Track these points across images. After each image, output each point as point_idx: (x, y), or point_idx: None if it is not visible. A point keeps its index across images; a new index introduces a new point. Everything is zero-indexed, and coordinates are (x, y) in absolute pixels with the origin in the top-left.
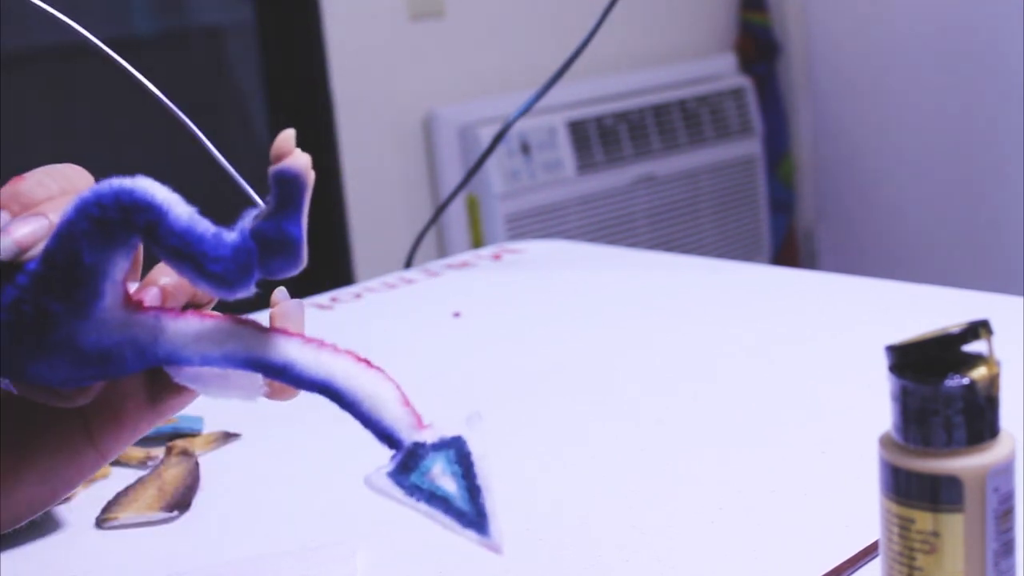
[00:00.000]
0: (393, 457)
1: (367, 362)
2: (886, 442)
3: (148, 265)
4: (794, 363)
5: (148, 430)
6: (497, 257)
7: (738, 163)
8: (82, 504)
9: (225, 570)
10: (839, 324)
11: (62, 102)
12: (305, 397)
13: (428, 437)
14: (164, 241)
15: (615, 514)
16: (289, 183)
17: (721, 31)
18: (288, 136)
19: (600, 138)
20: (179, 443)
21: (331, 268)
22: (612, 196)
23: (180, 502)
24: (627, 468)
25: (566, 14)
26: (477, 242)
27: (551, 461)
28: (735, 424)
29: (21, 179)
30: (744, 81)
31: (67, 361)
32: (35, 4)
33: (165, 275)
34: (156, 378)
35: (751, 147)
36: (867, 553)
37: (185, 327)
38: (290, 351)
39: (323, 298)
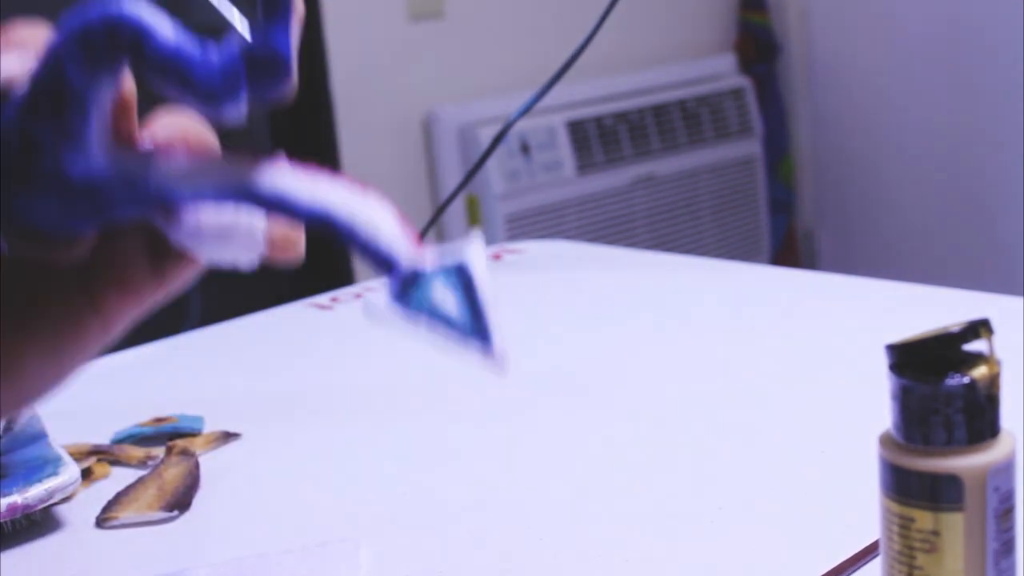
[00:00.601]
0: (392, 281)
1: (362, 187)
2: (886, 441)
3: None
4: (794, 363)
5: (153, 300)
6: (497, 257)
7: (738, 163)
8: (82, 504)
9: (227, 569)
10: (839, 324)
11: None
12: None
13: (429, 261)
14: (151, 60)
15: (615, 514)
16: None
17: (721, 31)
18: None
19: (600, 138)
20: (179, 443)
21: (331, 268)
22: (612, 196)
23: (180, 502)
24: (626, 467)
25: (566, 14)
26: None
27: (551, 461)
28: (735, 424)
29: (12, 24)
30: (744, 81)
31: (56, 197)
32: None
33: (160, 127)
34: (156, 242)
35: (751, 147)
36: (867, 553)
37: (176, 160)
38: (283, 180)
39: (323, 298)
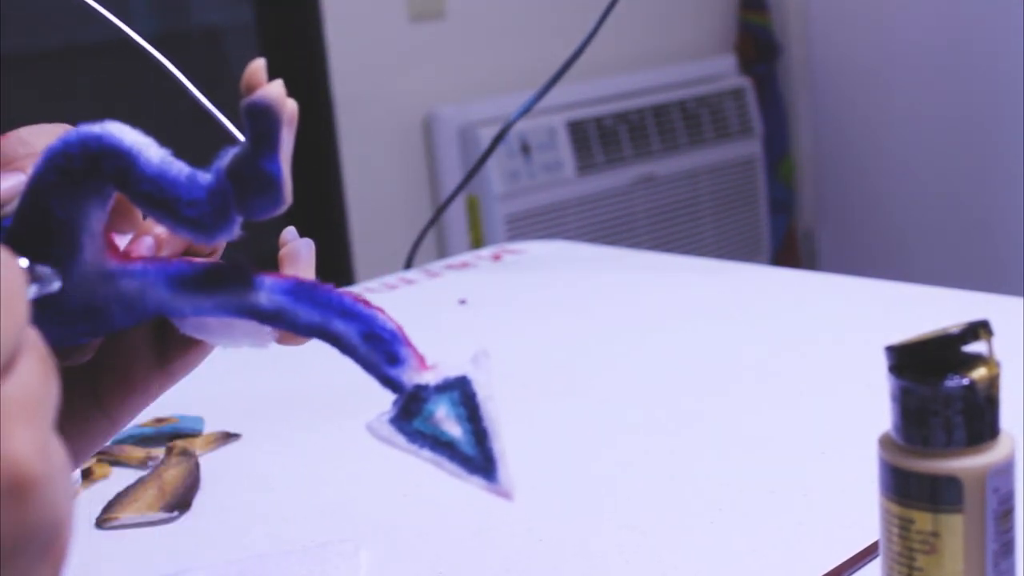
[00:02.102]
0: (395, 402)
1: (365, 302)
2: (886, 442)
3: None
4: (794, 363)
5: (159, 393)
6: (497, 258)
7: (738, 163)
8: (82, 504)
9: (227, 569)
10: (839, 324)
11: (62, 102)
12: (306, 397)
13: (431, 379)
14: (136, 188)
15: (615, 514)
16: (261, 115)
17: (721, 32)
18: (258, 66)
19: (600, 139)
20: (179, 443)
21: (331, 268)
22: (612, 197)
23: (180, 502)
24: (627, 468)
25: (566, 15)
26: (477, 242)
27: (551, 462)
28: (735, 424)
29: (4, 137)
30: (744, 81)
31: (55, 320)
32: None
33: (160, 235)
34: (162, 336)
35: (751, 147)
36: (867, 553)
37: (174, 277)
38: (282, 296)
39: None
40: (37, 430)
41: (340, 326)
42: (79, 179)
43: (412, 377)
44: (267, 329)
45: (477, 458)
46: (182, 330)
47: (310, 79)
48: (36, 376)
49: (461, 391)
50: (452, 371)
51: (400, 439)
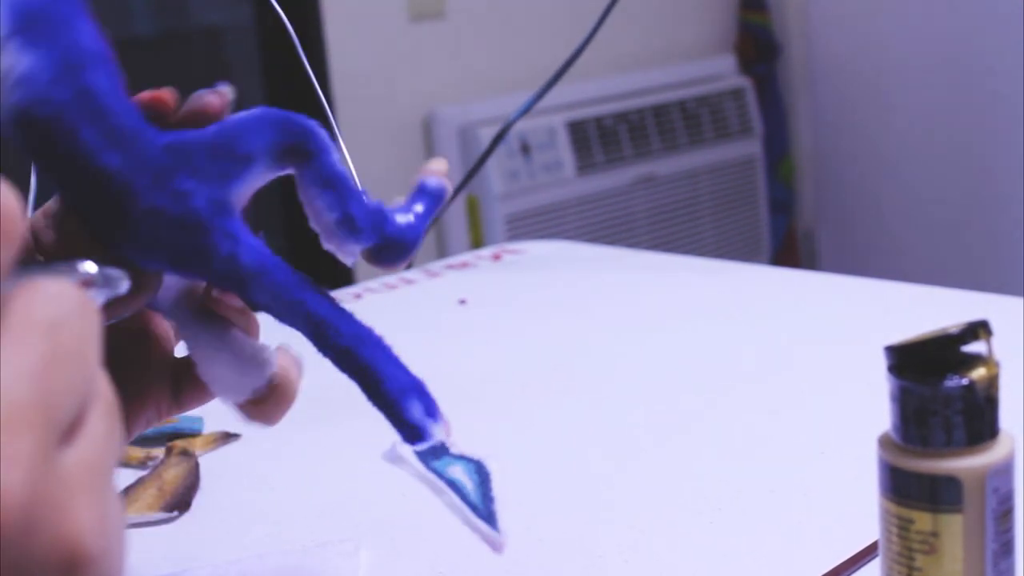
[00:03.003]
0: (416, 443)
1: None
2: (885, 442)
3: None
4: (793, 363)
5: (166, 416)
6: (497, 257)
7: (738, 163)
8: None
9: (227, 569)
10: (839, 325)
11: None
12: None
13: (454, 443)
14: (321, 168)
15: (615, 514)
16: (435, 196)
17: (721, 32)
18: (444, 161)
19: (600, 139)
20: (179, 443)
21: (331, 268)
22: (612, 197)
23: (180, 502)
24: (626, 468)
25: (566, 15)
26: (477, 242)
27: (551, 462)
28: (734, 424)
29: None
30: (744, 81)
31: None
32: None
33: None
34: (178, 377)
35: (751, 147)
36: (867, 553)
37: (281, 263)
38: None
39: None
40: (99, 499)
41: (390, 370)
42: (289, 142)
43: (439, 434)
44: (262, 382)
45: (482, 509)
46: (200, 372)
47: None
48: (103, 434)
49: (478, 466)
50: (473, 451)
51: (419, 464)
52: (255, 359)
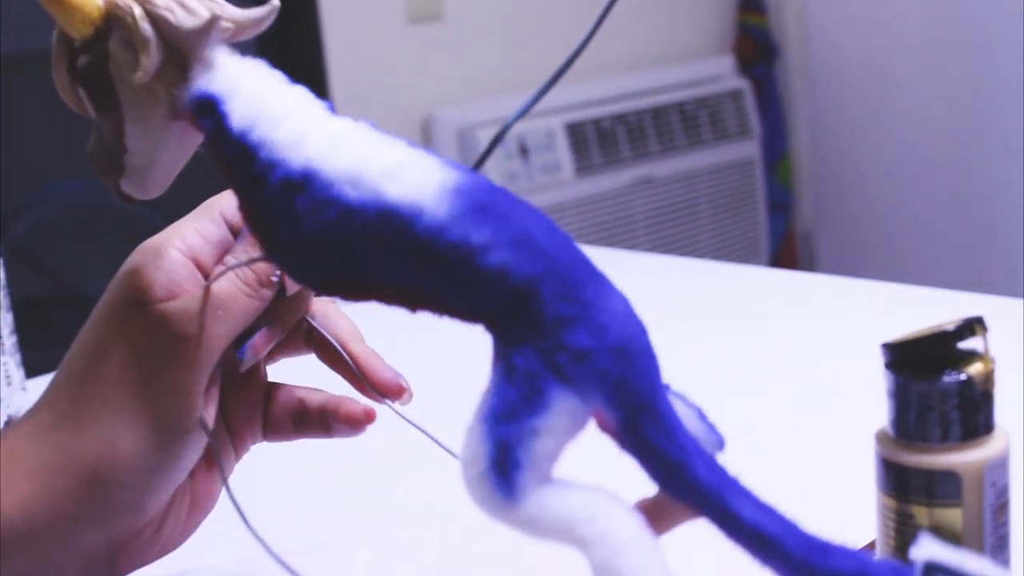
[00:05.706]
0: None
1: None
2: (883, 438)
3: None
4: (792, 364)
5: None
6: None
7: (736, 165)
8: None
9: (228, 568)
10: (837, 325)
11: (62, 102)
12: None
13: None
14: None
15: None
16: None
17: (719, 33)
18: None
19: (598, 140)
20: None
21: None
22: (610, 198)
23: None
24: (626, 468)
25: (565, 16)
26: None
27: None
28: (733, 424)
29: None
30: (742, 83)
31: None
32: None
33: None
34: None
35: (749, 149)
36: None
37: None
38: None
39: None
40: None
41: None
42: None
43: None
44: None
45: None
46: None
47: (309, 82)
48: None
49: None
50: None
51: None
52: None
